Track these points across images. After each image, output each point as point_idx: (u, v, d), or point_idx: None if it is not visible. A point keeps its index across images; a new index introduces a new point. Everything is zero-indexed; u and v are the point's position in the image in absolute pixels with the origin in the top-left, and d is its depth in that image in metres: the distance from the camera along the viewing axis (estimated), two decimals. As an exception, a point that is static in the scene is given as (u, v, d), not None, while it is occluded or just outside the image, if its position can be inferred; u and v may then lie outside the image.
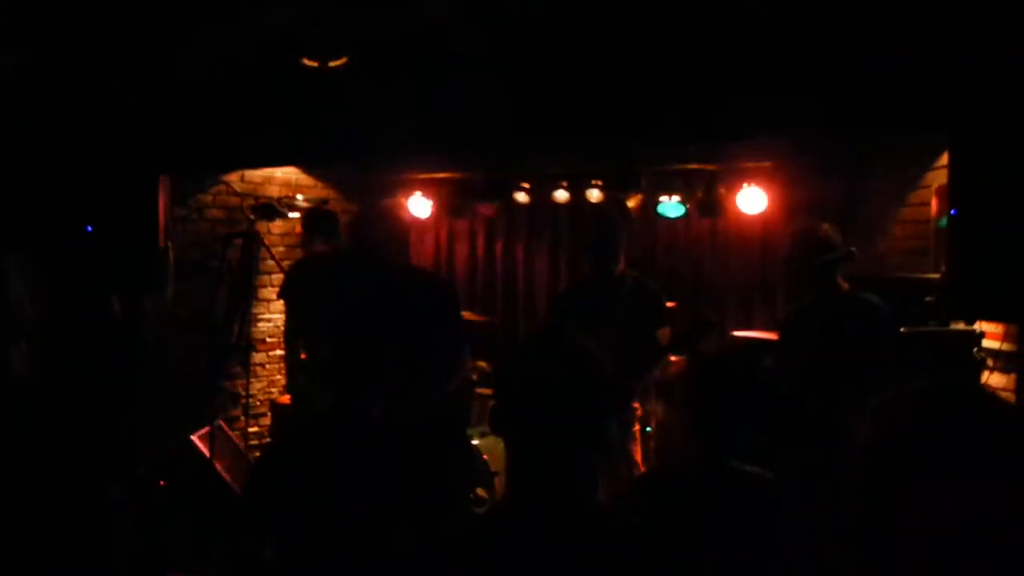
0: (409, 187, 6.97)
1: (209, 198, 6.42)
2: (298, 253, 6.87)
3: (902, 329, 3.93)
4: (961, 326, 4.02)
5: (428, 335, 3.75)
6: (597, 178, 6.22)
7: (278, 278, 6.56)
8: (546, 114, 4.17)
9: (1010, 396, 3.81)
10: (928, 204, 4.67)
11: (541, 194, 6.80)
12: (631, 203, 6.13)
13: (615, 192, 6.18)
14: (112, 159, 4.83)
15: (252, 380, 6.46)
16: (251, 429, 6.30)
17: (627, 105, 3.95)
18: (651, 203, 6.06)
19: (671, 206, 5.93)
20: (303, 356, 5.14)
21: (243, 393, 6.39)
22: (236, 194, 6.54)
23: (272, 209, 6.29)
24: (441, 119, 4.26)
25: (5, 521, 2.86)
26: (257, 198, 6.55)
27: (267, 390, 6.93)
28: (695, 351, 4.57)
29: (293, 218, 6.56)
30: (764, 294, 6.01)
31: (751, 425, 2.39)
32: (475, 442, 5.29)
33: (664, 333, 4.74)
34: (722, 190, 5.77)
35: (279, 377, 6.96)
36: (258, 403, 6.81)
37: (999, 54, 3.09)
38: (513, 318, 7.20)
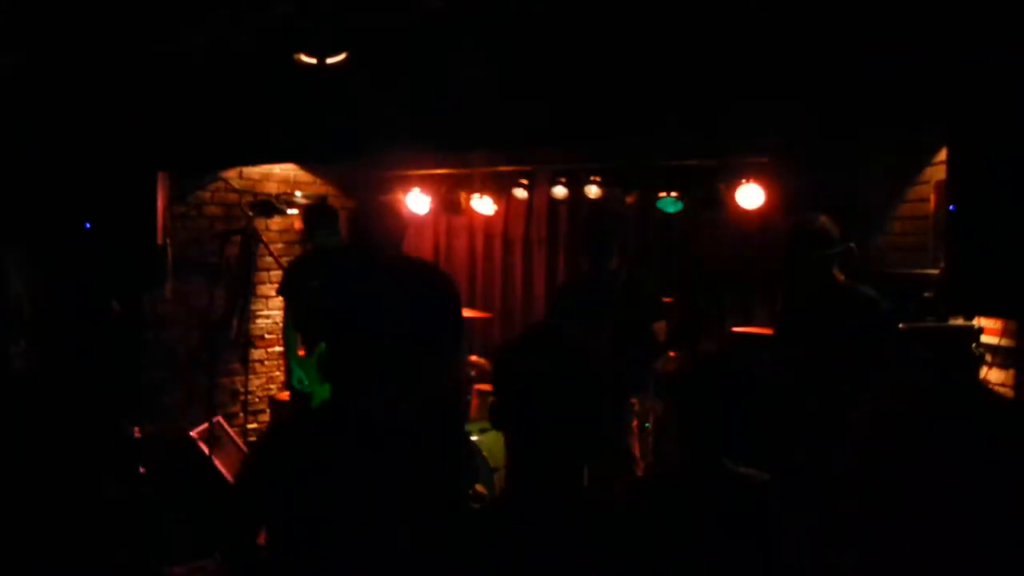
0: (408, 183, 6.96)
1: (207, 195, 6.42)
2: (296, 250, 6.87)
3: (901, 325, 3.94)
4: (960, 322, 4.02)
5: (427, 329, 3.74)
6: (596, 174, 6.22)
7: (276, 274, 6.56)
8: (545, 111, 4.17)
9: (1009, 392, 3.81)
10: (927, 200, 4.67)
11: (540, 190, 6.81)
12: (629, 199, 6.13)
13: (614, 188, 6.18)
14: (110, 156, 4.83)
15: (251, 376, 6.47)
16: (250, 425, 6.31)
17: (627, 103, 3.95)
18: (650, 199, 6.06)
19: (669, 201, 5.93)
20: (302, 352, 5.14)
21: (242, 389, 6.40)
22: (234, 191, 6.53)
23: (270, 206, 6.29)
24: (440, 115, 4.26)
25: (3, 517, 2.87)
26: (255, 195, 6.55)
27: (266, 386, 6.93)
28: (693, 347, 4.59)
29: (291, 215, 6.56)
30: (763, 290, 6.01)
31: (747, 423, 2.39)
32: (474, 438, 5.29)
33: (661, 327, 4.76)
34: (721, 186, 5.77)
35: (278, 373, 6.96)
36: (257, 399, 6.82)
37: (998, 50, 3.09)
38: (512, 314, 7.20)
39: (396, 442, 2.46)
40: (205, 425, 5.76)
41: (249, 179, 6.65)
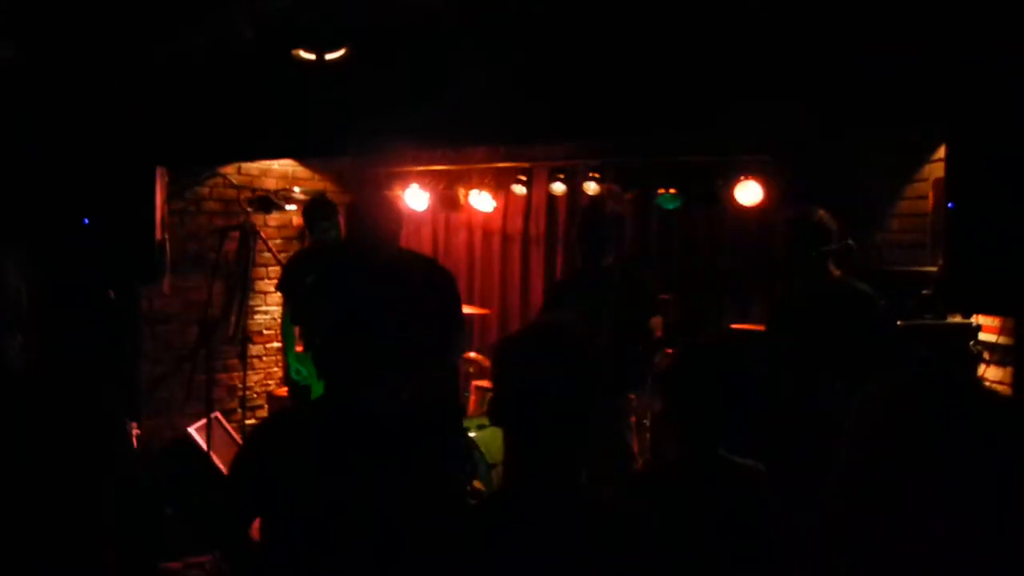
0: (406, 179, 6.96)
1: (206, 190, 6.42)
2: (295, 246, 6.87)
3: (899, 322, 3.94)
4: (958, 319, 4.02)
5: (424, 324, 3.75)
6: (595, 171, 6.22)
7: (275, 270, 6.56)
8: (544, 108, 4.16)
9: (1006, 389, 3.82)
10: (925, 197, 4.67)
11: (538, 187, 6.81)
12: (628, 196, 6.13)
13: (613, 184, 6.17)
14: (108, 151, 4.82)
15: (249, 372, 6.47)
16: (248, 421, 6.31)
17: (626, 101, 3.94)
18: (648, 195, 6.06)
19: (668, 198, 5.93)
20: (300, 348, 5.14)
21: (240, 385, 6.40)
22: (233, 186, 6.53)
23: (269, 201, 6.29)
24: (438, 111, 4.25)
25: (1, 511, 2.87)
26: (254, 190, 6.55)
27: (264, 382, 6.93)
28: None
29: (290, 210, 6.56)
30: (761, 287, 6.01)
31: (741, 415, 2.40)
32: (472, 435, 5.29)
33: (657, 322, 4.76)
34: (719, 182, 5.77)
35: (276, 369, 6.96)
36: (255, 395, 6.82)
37: (997, 48, 3.08)
38: (510, 311, 7.20)
39: (393, 437, 2.46)
40: (203, 421, 5.76)
41: (247, 175, 6.65)
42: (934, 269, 4.08)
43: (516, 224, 7.17)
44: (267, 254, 6.61)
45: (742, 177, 5.63)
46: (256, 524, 2.44)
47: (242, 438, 6.11)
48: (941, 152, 4.12)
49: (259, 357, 6.87)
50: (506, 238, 7.24)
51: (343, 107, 4.52)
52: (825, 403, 3.66)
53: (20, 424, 2.37)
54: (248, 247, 6.55)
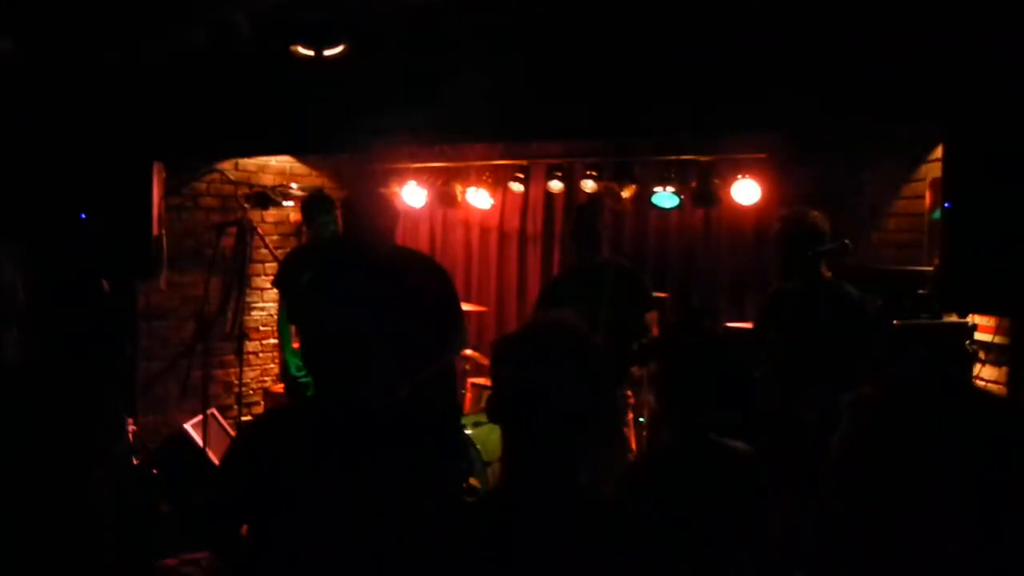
0: (403, 176, 6.95)
1: (203, 186, 6.41)
2: (292, 242, 6.87)
3: (895, 322, 3.94)
4: (954, 319, 4.03)
5: (419, 320, 3.75)
6: (592, 169, 6.23)
7: (272, 267, 6.56)
8: (543, 105, 4.16)
9: (1002, 389, 3.83)
10: (922, 197, 4.67)
11: (536, 184, 6.81)
12: (625, 194, 6.13)
13: (610, 182, 6.18)
14: (105, 146, 4.81)
15: (245, 369, 6.46)
16: (244, 418, 6.30)
17: (625, 99, 3.94)
18: (645, 194, 6.06)
19: (665, 197, 5.93)
20: (296, 345, 5.14)
21: (236, 382, 6.40)
22: (230, 182, 6.52)
23: (266, 198, 6.28)
24: (436, 108, 4.25)
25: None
26: (251, 186, 6.54)
27: (260, 379, 6.93)
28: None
29: (287, 207, 6.55)
30: (757, 285, 6.02)
31: (728, 404, 2.43)
32: (468, 432, 5.29)
33: (652, 317, 4.78)
34: (716, 181, 5.77)
35: (272, 366, 6.96)
36: (251, 392, 6.81)
37: (995, 47, 3.09)
38: (507, 309, 7.20)
39: (390, 435, 2.45)
40: (199, 417, 5.76)
41: (245, 171, 6.64)
42: (930, 268, 4.08)
43: (513, 221, 7.17)
44: (264, 250, 6.60)
45: (739, 176, 5.63)
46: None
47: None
48: (938, 152, 4.12)
49: (256, 353, 6.87)
50: (503, 235, 7.24)
51: (341, 104, 4.52)
52: (815, 404, 3.68)
53: (16, 418, 2.37)
54: (245, 243, 6.54)
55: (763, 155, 5.62)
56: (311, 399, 2.74)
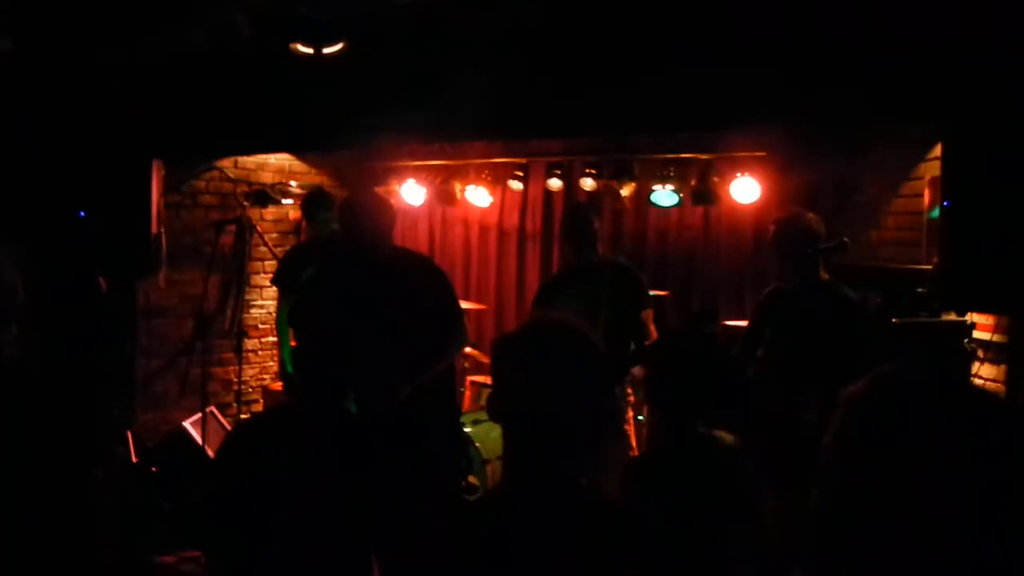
0: (403, 174, 6.95)
1: (202, 184, 6.41)
2: (291, 240, 6.87)
3: (894, 320, 3.95)
4: (952, 317, 4.03)
5: (417, 321, 3.75)
6: (591, 166, 6.22)
7: (271, 264, 6.55)
8: (541, 105, 4.16)
9: (1000, 387, 3.83)
10: (921, 195, 4.68)
11: (535, 182, 6.80)
12: (625, 192, 6.13)
13: (609, 180, 6.17)
14: (105, 144, 4.81)
15: (244, 367, 6.46)
16: (243, 416, 6.30)
17: (625, 98, 3.94)
18: (645, 192, 6.06)
19: (664, 195, 5.93)
20: (294, 343, 5.14)
21: (235, 380, 6.40)
22: (229, 180, 6.52)
23: (265, 195, 6.28)
24: (435, 106, 4.25)
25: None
26: (250, 184, 6.54)
27: (259, 377, 6.93)
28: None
29: (286, 204, 6.55)
30: (756, 284, 6.02)
31: (717, 401, 2.48)
32: (467, 430, 5.30)
33: (648, 315, 4.78)
34: (716, 179, 5.77)
35: (271, 364, 6.96)
36: (250, 390, 6.81)
37: (994, 46, 3.09)
38: (506, 306, 7.20)
39: (390, 435, 2.46)
40: (198, 415, 5.76)
41: (244, 169, 6.64)
42: (929, 267, 4.09)
43: (512, 219, 7.17)
44: (263, 248, 6.60)
45: (739, 174, 5.64)
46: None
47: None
48: (937, 150, 4.13)
49: (255, 351, 6.87)
50: (503, 233, 7.23)
51: (340, 101, 4.52)
52: (815, 404, 3.69)
53: (14, 414, 2.37)
54: (244, 241, 6.54)
55: (762, 153, 5.62)
56: (296, 403, 2.71)
